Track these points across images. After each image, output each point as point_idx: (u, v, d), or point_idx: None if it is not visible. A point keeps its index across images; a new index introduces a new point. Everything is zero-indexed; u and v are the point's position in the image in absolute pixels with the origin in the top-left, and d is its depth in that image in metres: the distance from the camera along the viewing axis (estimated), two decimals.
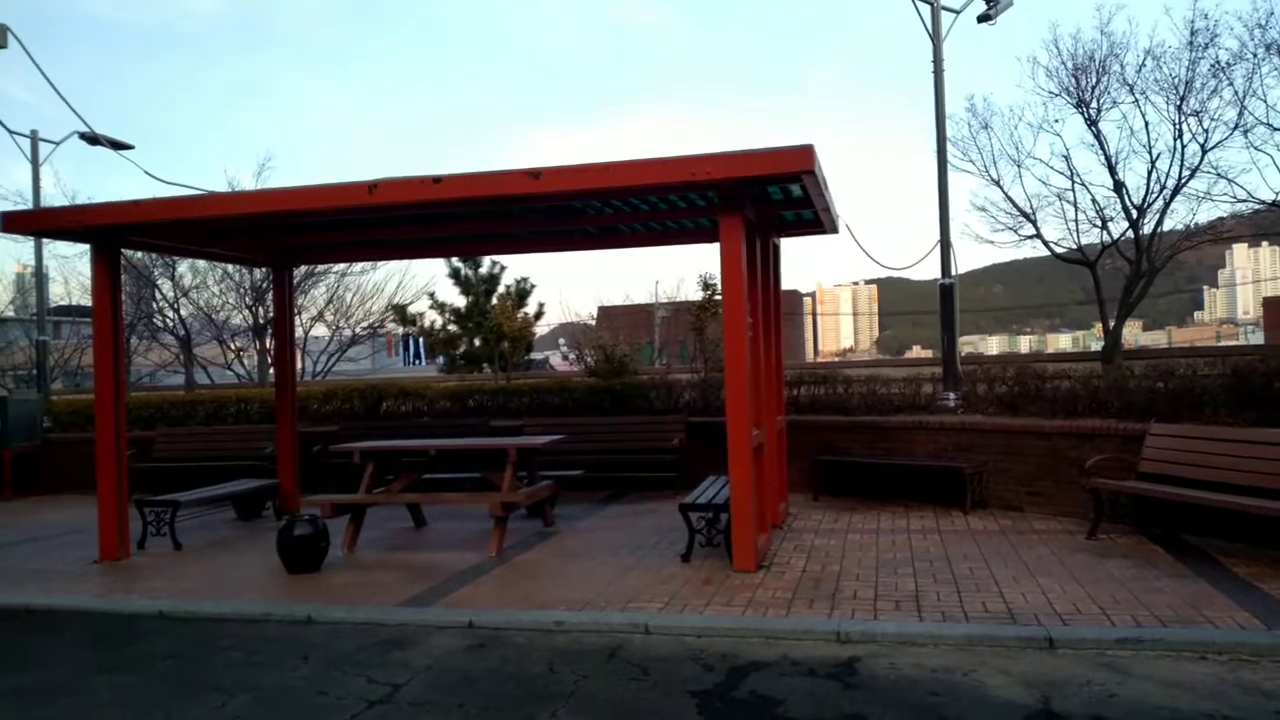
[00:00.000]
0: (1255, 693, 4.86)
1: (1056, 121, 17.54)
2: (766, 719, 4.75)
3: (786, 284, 11.45)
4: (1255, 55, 14.76)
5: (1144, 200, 16.33)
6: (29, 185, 19.30)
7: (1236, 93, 15.09)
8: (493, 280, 28.78)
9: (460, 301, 28.61)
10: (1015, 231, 18.42)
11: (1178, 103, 15.50)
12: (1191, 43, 15.22)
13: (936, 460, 10.76)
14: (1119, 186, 16.49)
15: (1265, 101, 14.97)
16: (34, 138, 19.09)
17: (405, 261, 27.36)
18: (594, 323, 30.34)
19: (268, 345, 21.91)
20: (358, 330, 27.35)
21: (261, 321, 22.56)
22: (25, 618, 7.41)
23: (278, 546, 8.46)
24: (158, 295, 24.52)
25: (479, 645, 6.14)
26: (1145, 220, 16.45)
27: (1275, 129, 15.03)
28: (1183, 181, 15.92)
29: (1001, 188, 17.78)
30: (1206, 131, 15.52)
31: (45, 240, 19.13)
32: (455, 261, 28.03)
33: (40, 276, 20.34)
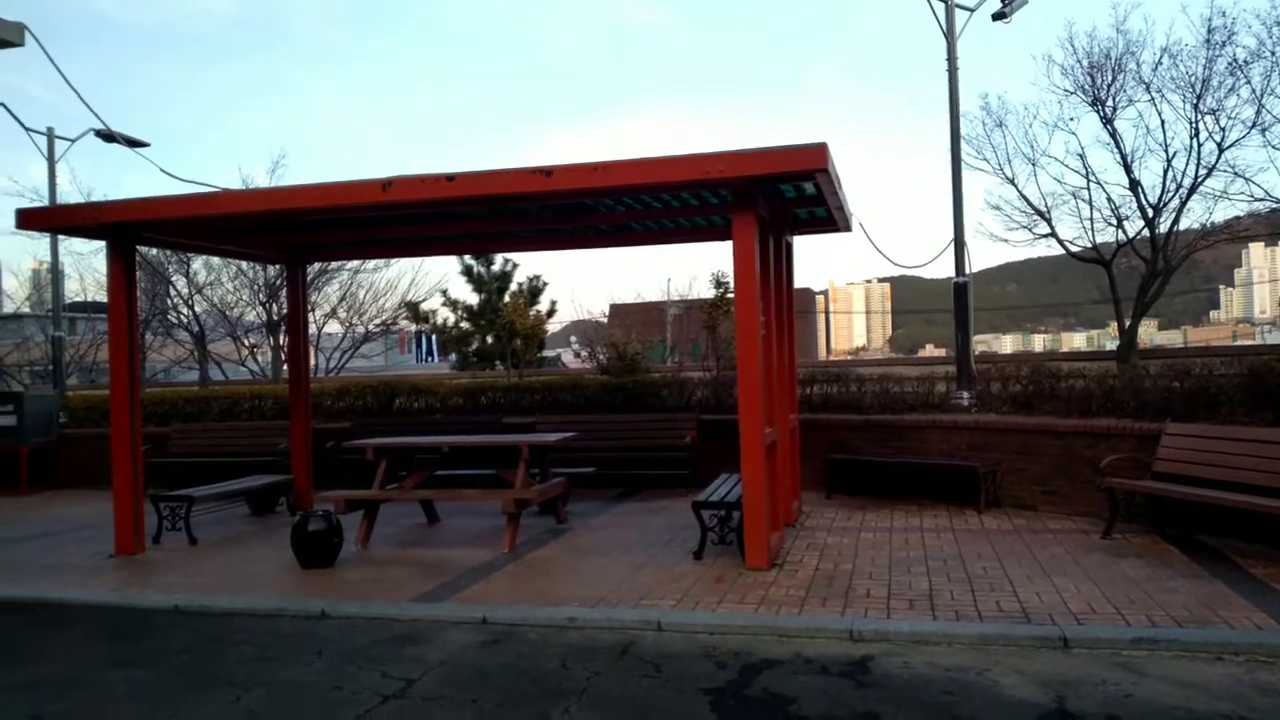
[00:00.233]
0: (1272, 694, 4.82)
1: (1072, 120, 17.41)
2: (779, 717, 4.75)
3: (799, 282, 11.44)
4: (1273, 53, 14.65)
5: (1160, 199, 16.24)
6: (45, 182, 19.43)
7: (1254, 91, 14.99)
8: (505, 278, 28.86)
9: (473, 299, 28.71)
10: (1030, 230, 18.34)
11: (1194, 101, 15.40)
12: (1209, 40, 15.11)
13: (950, 459, 10.72)
14: (1135, 185, 16.39)
15: None
16: (50, 135, 19.22)
17: (418, 259, 27.43)
18: (606, 320, 30.32)
19: (281, 342, 22.00)
20: (371, 327, 27.45)
21: (275, 318, 22.66)
22: (40, 611, 7.47)
23: (292, 542, 8.50)
24: (172, 292, 24.67)
25: (492, 641, 6.15)
26: (1161, 219, 16.36)
27: None
28: (1199, 180, 15.83)
29: (1016, 186, 17.72)
30: (1223, 130, 15.42)
31: (61, 237, 19.26)
32: (468, 259, 28.12)
33: (56, 273, 20.48)
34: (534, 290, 28.72)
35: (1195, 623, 5.86)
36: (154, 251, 22.21)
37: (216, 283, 24.71)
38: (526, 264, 29.39)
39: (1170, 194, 16.15)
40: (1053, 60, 17.22)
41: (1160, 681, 5.02)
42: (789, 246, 10.19)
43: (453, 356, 30.91)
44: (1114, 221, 17.02)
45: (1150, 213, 16.29)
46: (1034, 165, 17.50)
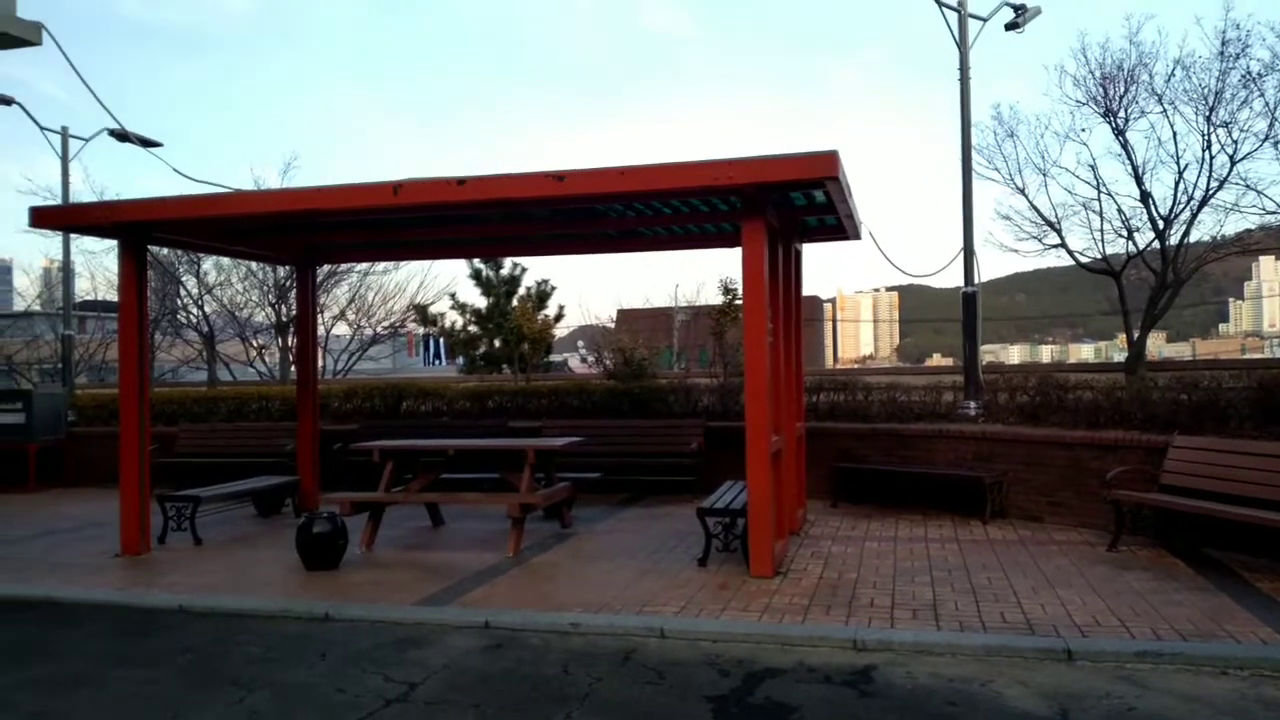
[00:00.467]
0: (1277, 709, 4.80)
1: (1083, 131, 17.35)
2: None
3: (807, 290, 11.44)
4: None
5: (1171, 211, 16.17)
6: (59, 181, 19.52)
7: (1267, 104, 14.92)
8: (513, 282, 28.89)
9: (481, 302, 28.74)
10: (1039, 240, 18.26)
11: (1207, 113, 15.33)
12: (1222, 53, 15.05)
13: (956, 469, 10.70)
14: (1146, 197, 16.33)
15: None
16: (64, 134, 19.33)
17: (427, 262, 27.51)
18: (613, 325, 30.36)
19: (290, 343, 22.07)
20: (379, 329, 27.54)
21: (284, 319, 22.74)
22: (46, 610, 7.49)
23: (297, 543, 8.51)
24: (182, 292, 24.77)
25: (495, 646, 6.15)
26: (1171, 231, 16.29)
27: None
28: (1210, 193, 15.75)
29: (1026, 196, 17.65)
30: (1236, 143, 15.35)
31: (73, 236, 19.36)
32: (477, 263, 28.15)
33: (67, 271, 20.57)
34: (542, 294, 28.75)
35: (1200, 636, 5.84)
36: (165, 251, 22.30)
37: (226, 283, 24.84)
38: (535, 268, 29.53)
39: (1181, 206, 16.09)
40: (1065, 71, 17.06)
41: (1164, 695, 5.01)
42: (798, 254, 10.19)
43: (460, 360, 30.95)
44: (1124, 233, 16.96)
45: (1161, 224, 16.23)
46: (1045, 176, 17.44)
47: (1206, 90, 15.28)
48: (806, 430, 10.88)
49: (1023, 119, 24.89)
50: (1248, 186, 15.83)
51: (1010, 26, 13.63)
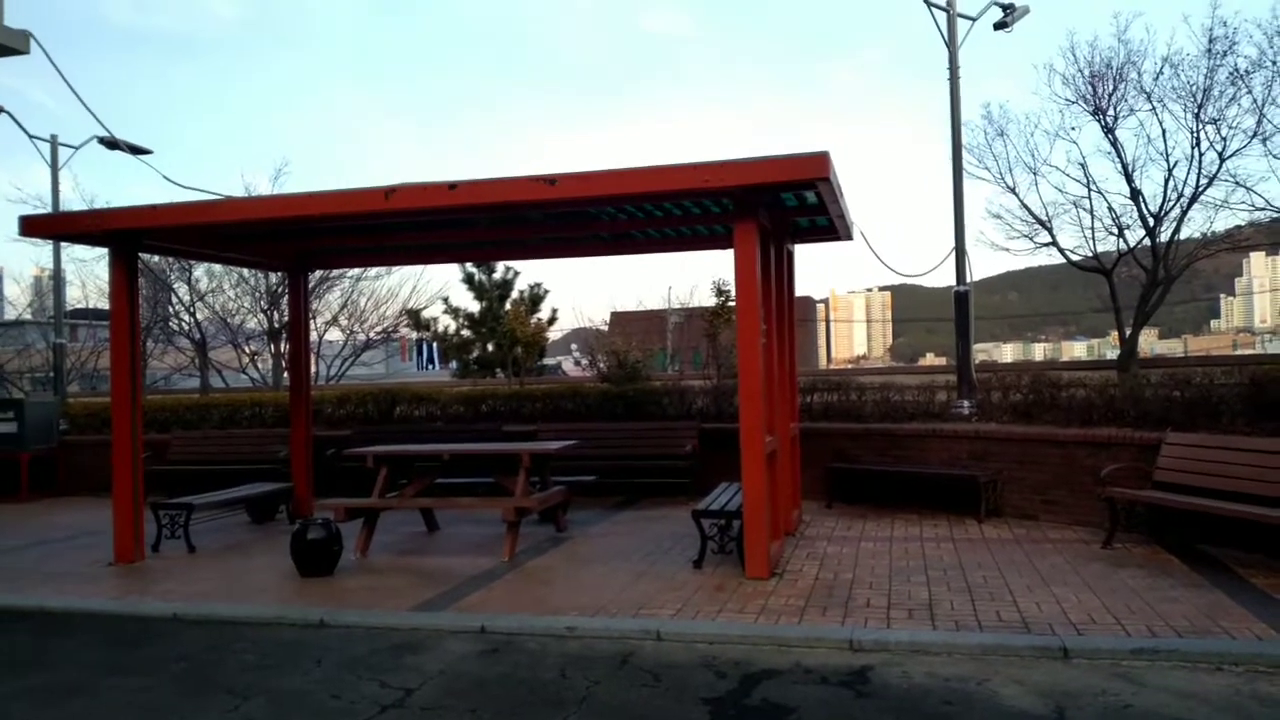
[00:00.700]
0: (1272, 704, 4.82)
1: (1073, 129, 17.31)
2: None
3: (800, 290, 11.44)
4: (1275, 63, 14.60)
5: (1161, 208, 16.20)
6: (48, 189, 19.48)
7: (1255, 100, 14.96)
8: (506, 286, 28.85)
9: (474, 306, 28.69)
10: (1031, 239, 18.27)
11: (1195, 110, 15.37)
12: (1210, 50, 15.09)
13: (950, 468, 10.71)
14: (1136, 194, 16.36)
15: None
16: (54, 142, 19.27)
17: (420, 267, 27.45)
18: (607, 328, 30.32)
19: (282, 349, 22.00)
20: (372, 335, 27.44)
21: (276, 326, 22.66)
22: (39, 619, 7.46)
23: (291, 550, 8.49)
24: (174, 299, 24.68)
25: (491, 650, 6.14)
26: (1162, 228, 16.32)
27: None
28: (1200, 189, 15.79)
29: (1017, 195, 17.66)
30: (1225, 139, 15.39)
31: (63, 244, 19.29)
32: (469, 267, 28.11)
33: (58, 280, 20.51)
34: (535, 298, 28.70)
35: (1195, 633, 5.85)
36: (155, 259, 22.22)
37: (218, 290, 24.72)
38: (528, 272, 29.40)
39: (1171, 203, 16.12)
40: (1054, 69, 17.04)
41: (1160, 692, 5.02)
42: (790, 255, 10.20)
43: (453, 364, 30.90)
44: (1115, 230, 16.98)
45: (1151, 222, 16.26)
46: (1035, 174, 17.45)
47: (1195, 87, 15.32)
48: (801, 431, 10.89)
49: (1013, 118, 25.02)
50: (1237, 183, 15.88)
51: (999, 26, 13.65)
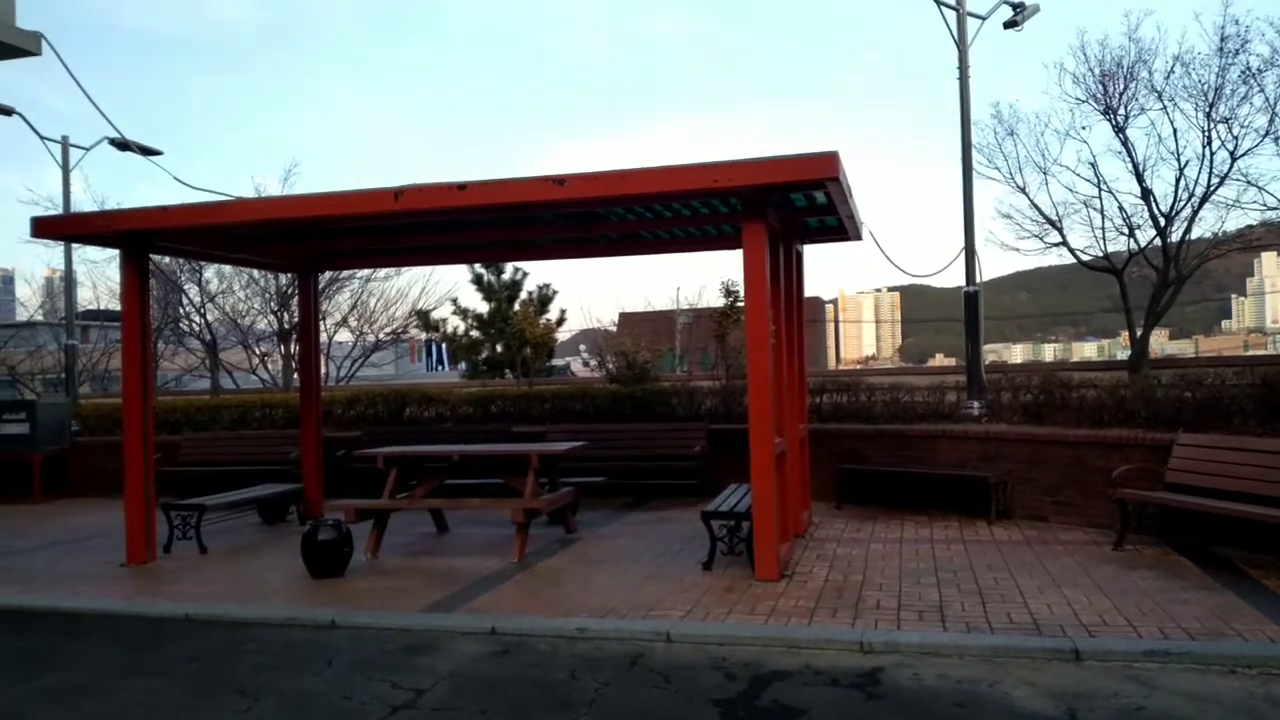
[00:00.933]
0: None
1: (1083, 128, 17.30)
2: None
3: (809, 290, 11.44)
4: None
5: (1172, 208, 16.16)
6: (59, 190, 19.56)
7: (1267, 99, 14.92)
8: (515, 286, 28.87)
9: (483, 307, 28.72)
10: (1041, 239, 18.25)
11: (1207, 109, 15.33)
12: (1221, 49, 15.05)
13: (960, 469, 10.68)
14: (1146, 194, 16.32)
15: None
16: (65, 143, 19.37)
17: (429, 268, 27.50)
18: (615, 329, 30.33)
19: (292, 350, 22.06)
20: (381, 336, 27.50)
21: (286, 327, 22.72)
22: (53, 620, 7.49)
23: (302, 551, 8.51)
24: (184, 300, 24.77)
25: (502, 651, 6.15)
26: (1173, 228, 16.28)
27: None
28: (1211, 189, 15.75)
29: (1027, 195, 17.64)
30: (1236, 139, 15.34)
31: (75, 245, 19.38)
32: (478, 268, 28.13)
33: (69, 281, 20.61)
34: (544, 299, 28.72)
35: (1208, 635, 5.83)
36: (166, 260, 22.31)
37: (228, 291, 24.81)
38: (536, 273, 29.52)
39: (1182, 203, 16.08)
40: (1064, 68, 16.98)
41: (1173, 695, 5.00)
42: (799, 255, 10.19)
43: (462, 365, 30.93)
44: (1126, 230, 16.94)
45: (1162, 221, 16.22)
46: (1045, 174, 17.42)
47: (1206, 86, 15.28)
48: (810, 432, 10.87)
49: (1022, 117, 24.92)
50: (1249, 182, 15.83)
51: (1009, 25, 13.64)
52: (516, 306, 27.59)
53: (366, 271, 24.68)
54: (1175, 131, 15.89)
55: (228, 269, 23.78)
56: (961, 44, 13.05)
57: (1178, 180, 15.98)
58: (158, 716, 5.24)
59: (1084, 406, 10.40)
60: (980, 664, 5.60)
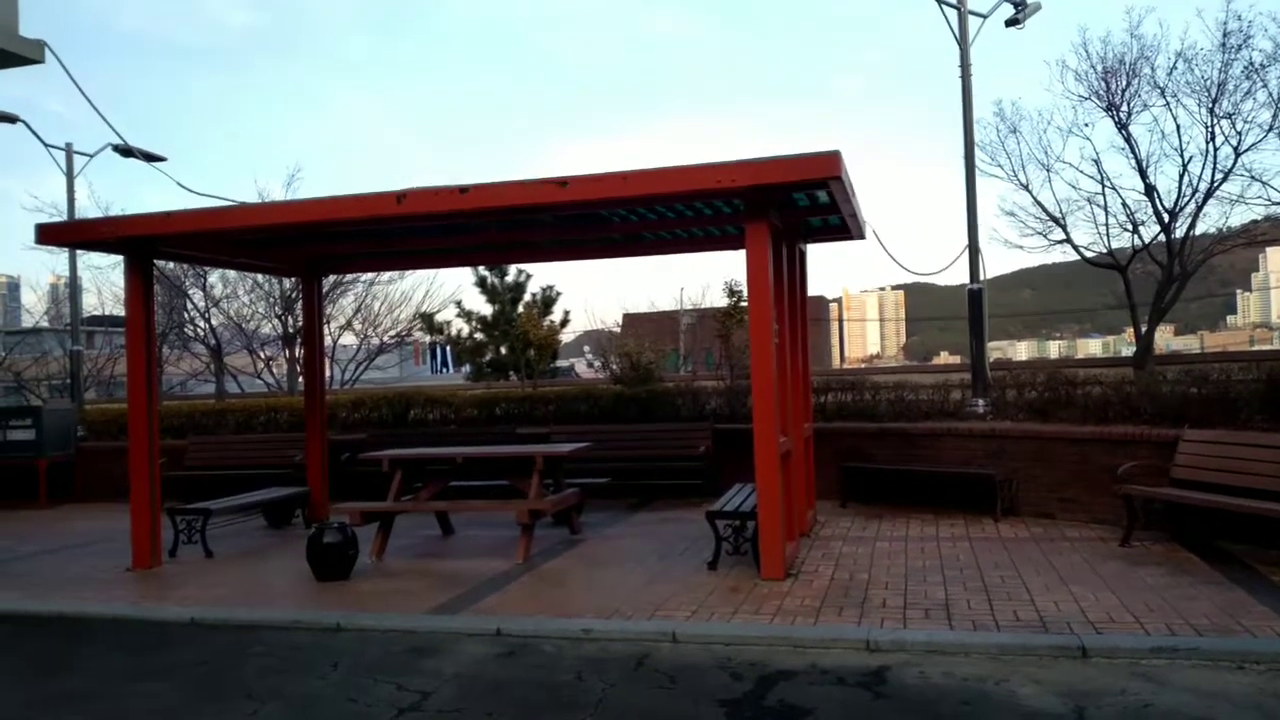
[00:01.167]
0: None
1: (1086, 125, 17.34)
2: None
3: (813, 290, 11.41)
4: None
5: (1176, 204, 16.14)
6: (64, 197, 19.58)
7: (1271, 94, 14.90)
8: (518, 288, 28.87)
9: (486, 310, 28.72)
10: (1044, 236, 18.25)
11: (1210, 105, 15.32)
12: (1224, 44, 15.04)
13: (966, 467, 10.66)
14: (1150, 190, 16.30)
15: None
16: (68, 150, 19.39)
17: (432, 271, 27.50)
18: (619, 330, 30.31)
19: (297, 354, 22.09)
20: (385, 339, 27.51)
21: (291, 330, 22.75)
22: (59, 625, 7.51)
23: (307, 554, 8.51)
24: (189, 305, 24.83)
25: (507, 653, 6.14)
26: (1177, 224, 16.26)
27: None
28: (1215, 185, 15.73)
29: (1030, 192, 17.64)
30: (1240, 134, 15.33)
31: (79, 251, 19.41)
32: (482, 270, 28.13)
33: (74, 287, 20.63)
34: (547, 300, 28.71)
35: (1216, 631, 5.81)
36: (171, 265, 22.36)
37: (232, 296, 24.85)
38: (540, 274, 29.39)
39: (1186, 198, 16.06)
40: (1066, 66, 16.99)
41: (1181, 691, 4.98)
42: (802, 254, 10.18)
43: (467, 367, 30.93)
44: (1129, 227, 16.93)
45: (1166, 217, 16.20)
46: (1048, 171, 17.42)
47: (1209, 82, 15.27)
48: (815, 431, 10.86)
49: (1025, 115, 24.87)
50: (1253, 178, 15.82)
51: (1011, 23, 13.60)
52: (520, 308, 27.59)
53: (370, 275, 24.70)
54: (1179, 127, 15.89)
55: (232, 274, 23.81)
56: (963, 42, 13.02)
57: (1181, 176, 15.97)
58: None
59: (1089, 403, 10.38)
60: (987, 662, 5.59)
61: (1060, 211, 17.60)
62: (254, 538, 11.09)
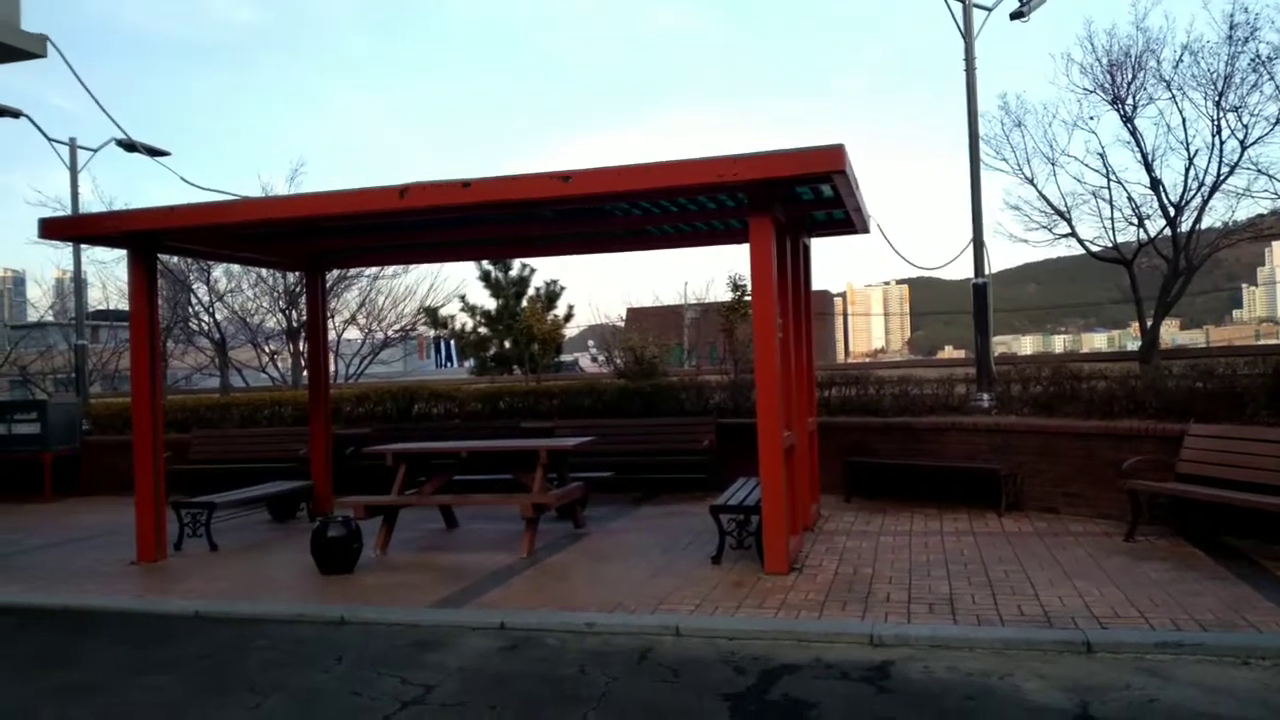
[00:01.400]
0: None
1: (1091, 119, 17.23)
2: None
3: (817, 284, 11.40)
4: None
5: (1181, 197, 16.07)
6: (68, 191, 19.62)
7: (1278, 87, 14.82)
8: (522, 283, 28.91)
9: (490, 304, 28.77)
10: (1049, 230, 18.18)
11: (1216, 98, 15.24)
12: (1230, 37, 14.95)
13: (970, 462, 10.65)
14: (1156, 184, 16.23)
15: None
16: (72, 145, 19.40)
17: (436, 265, 27.52)
18: (623, 324, 30.33)
19: (301, 348, 22.10)
20: (390, 333, 27.52)
21: (295, 325, 22.76)
22: (64, 618, 7.52)
23: (311, 548, 8.52)
24: (193, 299, 24.83)
25: (511, 647, 6.15)
26: (1183, 218, 16.19)
27: None
28: (1221, 178, 15.66)
29: (1035, 186, 17.57)
30: (1246, 127, 15.25)
31: (83, 246, 19.43)
32: (485, 264, 28.18)
33: (79, 281, 20.65)
34: (551, 295, 28.75)
35: (1221, 626, 5.79)
36: (175, 259, 22.37)
37: (237, 290, 24.84)
38: (544, 269, 29.52)
39: (1192, 192, 15.99)
40: (1072, 59, 16.90)
41: (1186, 686, 4.96)
42: (806, 249, 10.16)
43: (471, 362, 30.99)
44: (1135, 221, 16.86)
45: (1172, 211, 16.13)
46: (1053, 165, 17.34)
47: (1215, 75, 15.19)
48: (819, 425, 10.85)
49: (1030, 108, 24.82)
50: (1259, 171, 15.73)
51: (1015, 16, 13.54)
52: (524, 303, 27.63)
53: (374, 269, 24.70)
54: (1184, 121, 15.82)
55: (236, 268, 23.80)
56: (968, 35, 12.97)
57: (1187, 170, 15.90)
58: (168, 713, 5.25)
59: (1094, 398, 10.34)
60: (991, 657, 5.58)
61: (1065, 205, 17.54)
62: (258, 531, 11.11)
